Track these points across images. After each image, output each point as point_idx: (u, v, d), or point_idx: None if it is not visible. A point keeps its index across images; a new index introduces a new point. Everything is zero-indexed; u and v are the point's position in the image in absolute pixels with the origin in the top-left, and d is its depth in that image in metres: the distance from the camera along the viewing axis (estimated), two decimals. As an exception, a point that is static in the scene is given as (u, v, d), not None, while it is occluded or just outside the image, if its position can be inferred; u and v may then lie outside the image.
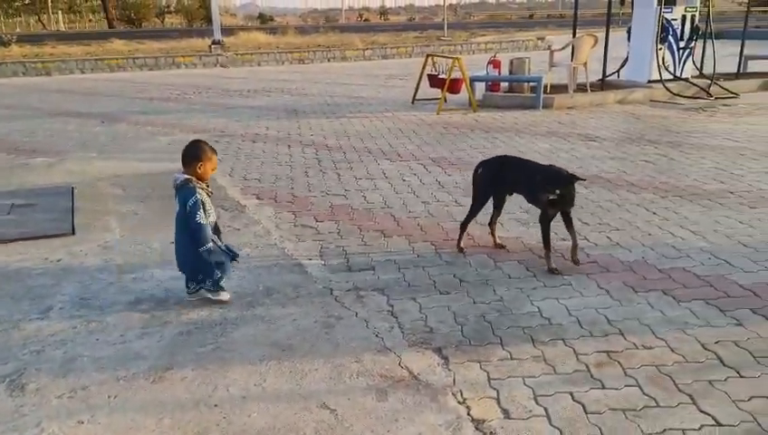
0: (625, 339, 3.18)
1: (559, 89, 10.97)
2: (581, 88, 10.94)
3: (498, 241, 4.48)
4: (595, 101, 10.64)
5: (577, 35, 11.12)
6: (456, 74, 10.38)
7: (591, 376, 2.87)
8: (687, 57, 11.35)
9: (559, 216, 4.10)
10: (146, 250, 4.55)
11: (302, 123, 9.64)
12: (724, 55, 11.63)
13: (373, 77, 16.21)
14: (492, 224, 4.51)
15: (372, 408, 2.69)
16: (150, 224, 5.11)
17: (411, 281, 3.94)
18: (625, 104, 10.64)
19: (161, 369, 3.01)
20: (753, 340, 3.13)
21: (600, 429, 2.51)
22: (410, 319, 3.44)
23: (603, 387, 2.78)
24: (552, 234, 4.10)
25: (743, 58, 12.41)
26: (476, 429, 2.54)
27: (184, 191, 3.52)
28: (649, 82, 11.07)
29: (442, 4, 33.59)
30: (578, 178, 3.98)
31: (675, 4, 10.91)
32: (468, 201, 4.78)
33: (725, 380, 2.81)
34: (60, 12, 53.97)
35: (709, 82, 11.04)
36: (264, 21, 56.32)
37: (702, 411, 2.59)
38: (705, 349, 3.07)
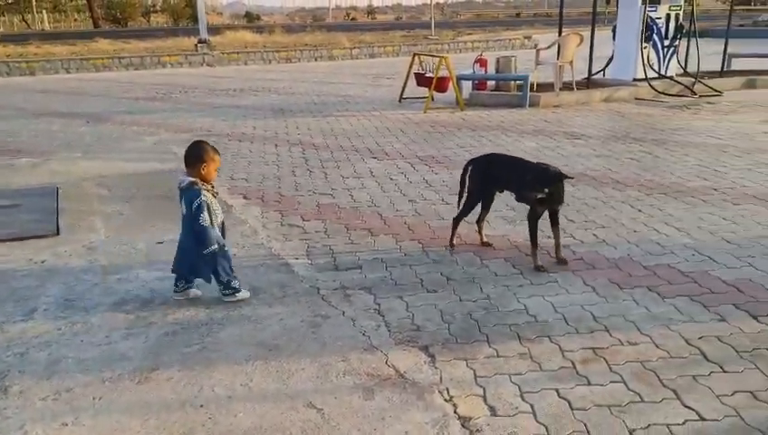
0: (610, 335, 3.20)
1: (545, 87, 11.03)
2: (567, 86, 10.99)
3: (485, 239, 4.49)
4: (581, 100, 10.70)
5: (563, 34, 11.17)
6: (442, 73, 10.39)
7: (577, 373, 2.89)
8: (672, 55, 11.44)
9: (545, 213, 4.13)
10: (131, 251, 4.52)
11: (290, 122, 9.61)
12: (708, 53, 11.73)
13: (360, 76, 16.20)
14: (480, 222, 4.52)
15: (359, 406, 2.69)
16: (135, 224, 5.07)
17: (398, 279, 3.94)
18: (610, 102, 10.70)
19: (147, 370, 2.99)
20: (736, 335, 3.16)
21: (585, 425, 2.52)
22: (397, 317, 3.45)
23: (589, 383, 2.80)
24: (538, 232, 4.11)
25: (726, 56, 12.52)
26: (463, 426, 2.54)
27: (189, 193, 3.52)
28: (635, 80, 11.14)
29: (429, 3, 33.62)
30: (566, 177, 4.00)
31: (659, 3, 10.99)
32: (456, 199, 4.79)
33: (709, 375, 2.83)
34: (44, 11, 53.42)
35: (693, 80, 11.14)
36: (251, 20, 56.12)
37: (686, 406, 2.62)
38: (689, 344, 3.09)
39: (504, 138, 8.03)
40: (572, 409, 2.63)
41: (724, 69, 12.47)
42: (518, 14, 62.56)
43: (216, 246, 3.55)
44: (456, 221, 4.46)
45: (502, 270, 4.06)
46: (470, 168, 4.45)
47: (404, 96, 11.23)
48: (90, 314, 3.56)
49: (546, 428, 2.51)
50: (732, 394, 2.69)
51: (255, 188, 6.02)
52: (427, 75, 10.83)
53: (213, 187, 3.65)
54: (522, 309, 3.51)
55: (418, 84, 11.06)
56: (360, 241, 4.60)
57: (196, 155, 3.54)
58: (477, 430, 2.52)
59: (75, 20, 55.02)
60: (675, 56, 11.49)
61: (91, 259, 4.39)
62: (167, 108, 11.40)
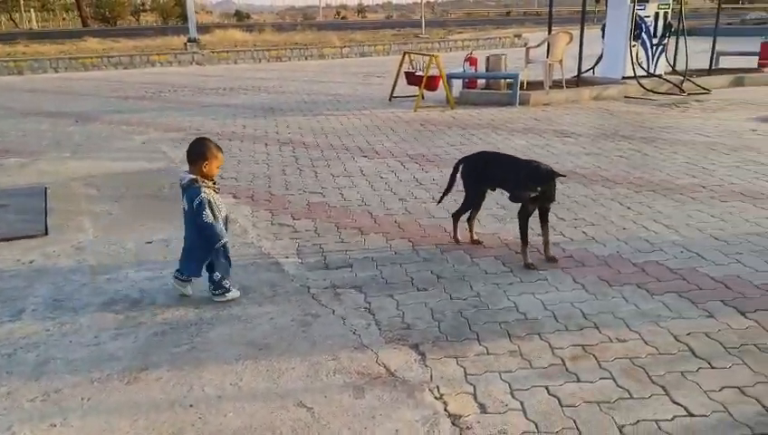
0: (600, 332, 3.22)
1: (535, 85, 11.05)
2: (557, 84, 11.03)
3: (475, 237, 4.50)
4: (570, 98, 10.74)
5: (552, 33, 11.20)
6: (433, 72, 10.40)
7: (567, 370, 2.90)
8: (660, 54, 11.50)
9: (535, 211, 4.13)
10: (120, 250, 4.50)
11: (280, 121, 9.59)
12: (696, 52, 11.81)
13: (351, 75, 16.19)
14: (470, 220, 4.52)
15: (349, 405, 2.69)
16: (124, 224, 5.05)
17: (388, 278, 3.94)
18: (600, 100, 10.75)
19: (136, 370, 2.98)
20: (724, 331, 3.19)
21: (574, 421, 2.53)
22: (387, 316, 3.44)
23: (578, 380, 2.81)
24: (528, 229, 4.12)
25: (714, 54, 12.59)
26: (453, 424, 2.55)
27: (190, 191, 3.52)
28: (624, 78, 11.19)
29: (419, 1, 33.63)
30: (559, 175, 4.00)
31: (648, 2, 11.05)
32: (446, 197, 4.80)
33: (697, 371, 2.85)
34: (32, 10, 53.02)
35: (682, 78, 11.20)
36: (241, 18, 55.96)
37: (674, 402, 2.63)
38: (678, 341, 3.11)
39: (494, 136, 8.05)
40: (562, 406, 2.63)
41: (713, 67, 12.54)
42: (508, 13, 62.71)
43: (226, 238, 3.59)
44: (456, 217, 4.47)
45: (492, 268, 4.06)
46: (461, 166, 4.45)
47: (394, 95, 11.23)
48: (78, 315, 3.54)
49: (536, 425, 2.52)
50: (720, 390, 2.70)
51: (245, 188, 6.00)
52: (417, 74, 10.83)
53: (215, 183, 3.66)
54: (512, 307, 3.52)
55: (409, 83, 11.07)
56: (350, 240, 4.60)
57: (199, 152, 3.54)
58: (467, 427, 2.52)
59: (64, 19, 54.67)
60: (663, 54, 11.54)
61: (80, 259, 4.36)
62: (156, 107, 11.34)
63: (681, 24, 11.13)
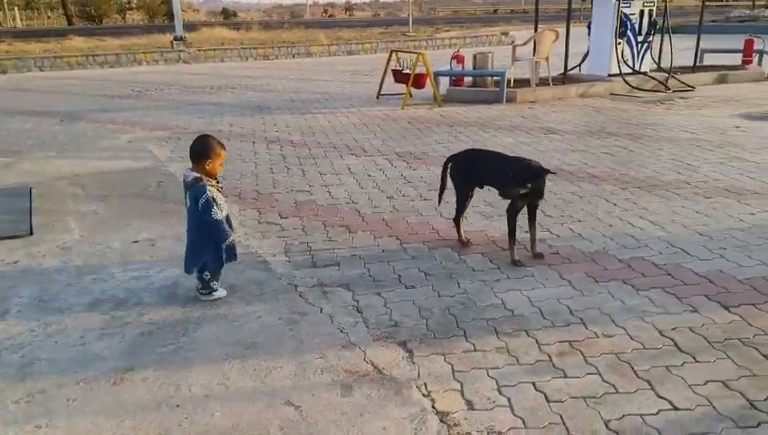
0: (586, 328, 3.24)
1: (522, 83, 11.08)
2: (544, 82, 11.07)
3: (464, 238, 4.49)
4: (557, 95, 10.79)
5: (539, 30, 11.24)
6: (420, 69, 10.40)
7: (554, 365, 2.92)
8: (646, 51, 11.57)
9: (524, 208, 4.14)
10: (106, 250, 4.47)
11: (267, 120, 9.56)
12: (680, 49, 11.88)
13: (338, 73, 16.17)
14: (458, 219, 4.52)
15: (337, 403, 2.69)
16: (110, 223, 5.01)
17: (376, 276, 3.94)
18: (586, 98, 10.81)
19: (122, 370, 2.96)
20: (708, 326, 3.22)
21: (561, 417, 2.55)
22: (375, 314, 3.45)
23: (565, 376, 2.83)
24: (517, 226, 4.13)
25: (699, 52, 12.69)
26: (441, 421, 2.55)
27: (194, 189, 3.51)
28: (610, 75, 11.26)
29: (407, -1, 33.61)
30: (548, 172, 4.01)
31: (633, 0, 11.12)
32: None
33: (682, 365, 2.88)
34: (16, 8, 52.43)
35: (667, 75, 11.28)
36: (228, 16, 55.70)
37: (660, 397, 2.66)
38: (663, 336, 3.14)
39: (481, 133, 8.06)
40: (549, 401, 2.65)
41: (697, 64, 12.65)
42: (495, 11, 62.85)
43: (233, 235, 3.60)
44: (457, 220, 4.45)
45: (479, 265, 4.08)
46: (450, 164, 4.46)
47: (382, 93, 11.23)
48: (64, 315, 3.52)
49: (523, 421, 2.54)
50: (704, 384, 2.73)
51: (232, 186, 5.97)
52: (404, 72, 10.83)
53: (218, 181, 3.66)
54: (499, 303, 3.53)
55: (396, 81, 11.06)
56: (337, 238, 4.60)
57: (201, 150, 3.54)
58: (455, 424, 2.53)
59: (48, 17, 54.14)
60: (648, 52, 11.62)
61: (66, 259, 4.33)
62: (142, 106, 11.26)
63: (666, 22, 11.21)
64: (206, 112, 10.34)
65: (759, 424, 2.47)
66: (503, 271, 3.97)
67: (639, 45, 11.43)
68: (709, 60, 13.24)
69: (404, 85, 10.57)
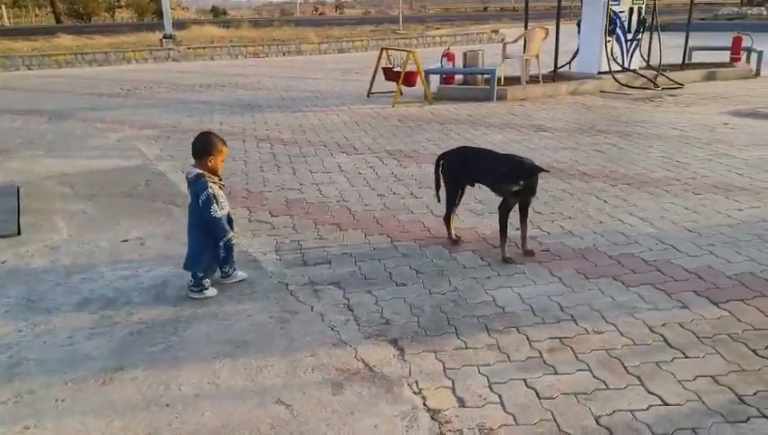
0: (577, 325, 3.25)
1: (512, 81, 11.10)
2: (534, 80, 11.09)
3: (454, 236, 4.49)
4: (547, 93, 10.81)
5: (529, 28, 11.26)
6: (410, 67, 10.40)
7: (544, 362, 2.92)
8: (635, 49, 11.63)
9: (516, 206, 4.15)
10: (94, 249, 4.44)
11: (257, 118, 9.53)
12: (669, 47, 11.93)
13: (329, 71, 16.14)
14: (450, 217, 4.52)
15: (328, 401, 2.68)
16: (99, 222, 4.98)
17: (367, 274, 3.93)
18: (576, 95, 10.84)
19: (111, 370, 2.94)
20: (698, 321, 3.24)
21: (552, 413, 2.55)
22: (366, 311, 3.44)
23: (556, 372, 2.84)
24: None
25: (687, 49, 12.77)
26: (432, 418, 2.55)
27: (196, 186, 3.54)
28: (599, 73, 11.30)
29: (397, -3, 33.60)
30: (542, 170, 4.01)
31: (622, -3, 11.16)
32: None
33: (672, 361, 2.89)
34: (3, 6, 51.94)
35: (656, 72, 11.34)
36: (218, 14, 55.41)
37: (650, 392, 2.67)
38: (653, 332, 3.15)
39: (472, 131, 8.07)
40: (540, 398, 2.66)
41: (686, 62, 12.72)
42: (485, 9, 62.89)
43: (231, 232, 3.63)
44: (447, 218, 4.44)
45: (470, 262, 4.08)
46: (441, 162, 4.45)
47: (372, 91, 11.21)
48: (52, 315, 3.49)
49: (514, 418, 2.54)
50: (693, 379, 2.75)
51: (223, 185, 5.94)
52: (395, 70, 10.83)
53: (220, 178, 3.69)
54: (490, 301, 3.54)
55: (387, 79, 11.06)
56: (328, 236, 4.59)
57: (203, 147, 3.57)
58: (446, 421, 2.53)
59: (36, 15, 53.67)
60: (638, 49, 11.68)
61: (54, 259, 4.29)
62: (131, 104, 11.19)
63: (655, 20, 11.25)
64: (196, 111, 10.29)
65: (748, 419, 2.48)
66: (493, 268, 3.98)
67: (629, 43, 11.48)
68: (698, 57, 13.31)
69: (395, 83, 10.56)
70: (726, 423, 2.46)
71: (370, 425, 2.53)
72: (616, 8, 11.07)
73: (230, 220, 3.79)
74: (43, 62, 18.12)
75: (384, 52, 11.15)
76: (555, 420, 2.51)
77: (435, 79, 11.20)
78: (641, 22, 11.46)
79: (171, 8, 23.21)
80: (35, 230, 4.85)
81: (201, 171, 3.55)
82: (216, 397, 2.73)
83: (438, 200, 4.55)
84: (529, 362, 2.92)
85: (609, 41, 11.07)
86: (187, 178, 3.63)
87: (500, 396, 2.68)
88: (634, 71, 11.45)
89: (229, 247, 3.73)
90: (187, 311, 3.49)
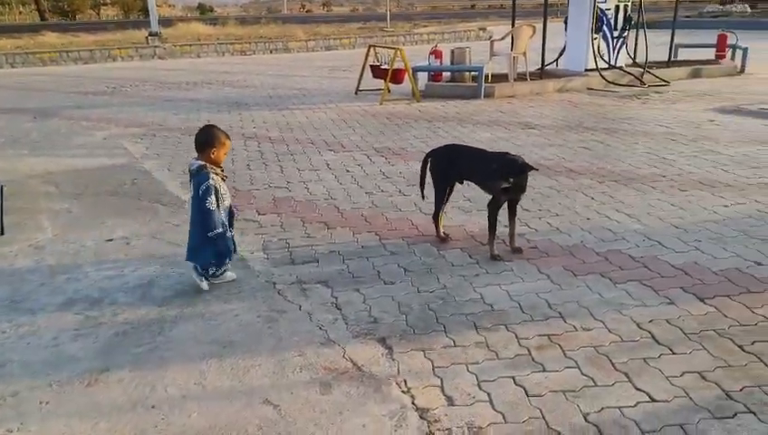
0: (565, 322, 3.25)
1: (499, 78, 11.12)
2: (521, 77, 11.11)
3: (442, 233, 4.48)
4: (535, 90, 10.84)
5: (516, 26, 11.27)
6: (398, 65, 10.38)
7: (533, 359, 2.92)
8: (621, 46, 11.67)
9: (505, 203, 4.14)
10: (79, 249, 4.39)
11: (245, 116, 9.47)
12: (655, 44, 12.02)
13: (316, 68, 16.08)
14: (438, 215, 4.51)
15: (316, 401, 2.67)
16: (84, 222, 4.92)
17: (355, 272, 3.92)
18: (563, 92, 10.87)
19: (96, 371, 2.91)
20: (684, 317, 3.25)
21: (540, 411, 2.55)
22: (354, 310, 3.43)
23: (544, 370, 2.84)
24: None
25: (673, 47, 12.84)
26: (421, 417, 2.54)
27: (198, 177, 3.57)
28: (586, 70, 11.33)
29: (384, -6, 33.56)
30: (531, 168, 4.00)
31: (609, -5, 11.20)
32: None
33: (659, 357, 2.90)
34: (-14, 4, 51.40)
35: (642, 70, 11.39)
36: (204, 12, 55.14)
37: (637, 389, 2.67)
38: (640, 328, 3.16)
39: (459, 129, 8.07)
40: (528, 395, 2.66)
41: (672, 59, 12.78)
42: (473, 6, 63.00)
43: (221, 229, 3.61)
44: (435, 217, 4.43)
45: (458, 260, 4.07)
46: (430, 159, 4.44)
47: (360, 88, 11.18)
48: (36, 316, 3.44)
49: (503, 416, 2.54)
50: (681, 375, 2.76)
51: (209, 183, 5.90)
52: (382, 67, 10.80)
53: (222, 170, 3.72)
54: (478, 298, 3.53)
55: (374, 76, 11.02)
56: (316, 234, 4.57)
57: (206, 140, 3.63)
58: (435, 420, 2.52)
59: (20, 13, 53.08)
60: (624, 47, 11.73)
61: (38, 259, 4.24)
62: (117, 102, 11.09)
63: (641, 17, 11.31)
64: (182, 109, 10.22)
65: (735, 414, 2.49)
66: (482, 266, 3.97)
67: (615, 41, 11.53)
68: (683, 55, 13.38)
69: (382, 81, 10.54)
70: (714, 419, 2.47)
71: (359, 425, 2.51)
72: (602, 6, 11.10)
73: (232, 213, 3.82)
74: (27, 60, 17.92)
75: (372, 49, 11.12)
76: (544, 417, 2.51)
77: (422, 76, 11.18)
78: (627, 19, 11.51)
79: (157, 5, 23.03)
80: (19, 230, 4.79)
81: (203, 163, 3.59)
82: (203, 398, 2.70)
83: (423, 198, 4.54)
84: (517, 360, 2.92)
85: (595, 38, 11.11)
86: (189, 169, 3.66)
87: (489, 394, 2.67)
88: (620, 68, 11.50)
89: (226, 245, 3.70)
90: (173, 311, 3.46)
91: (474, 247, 4.27)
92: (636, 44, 11.71)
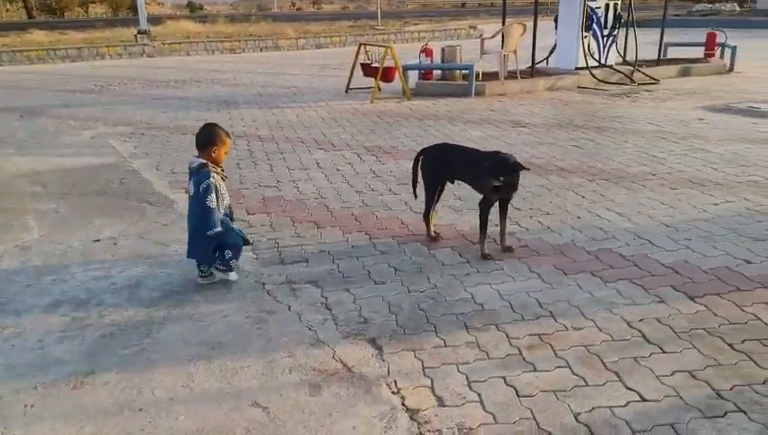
0: (555, 321, 3.24)
1: (490, 76, 11.12)
2: (512, 75, 11.12)
3: (433, 233, 4.46)
4: (525, 88, 10.84)
5: (506, 24, 11.27)
6: (388, 63, 10.36)
7: (524, 359, 2.91)
8: (611, 45, 11.71)
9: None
10: (66, 249, 4.34)
11: (234, 114, 9.42)
12: (645, 43, 12.06)
13: (307, 66, 16.03)
14: (429, 214, 4.48)
15: (305, 403, 2.64)
16: (71, 222, 4.87)
17: (345, 272, 3.89)
18: (554, 91, 10.88)
19: (82, 374, 2.86)
20: (675, 316, 3.25)
21: (531, 411, 2.54)
22: (344, 310, 3.40)
23: (535, 370, 2.82)
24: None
25: (663, 45, 12.88)
26: (411, 418, 2.52)
27: (198, 175, 3.57)
28: (576, 68, 11.36)
29: (375, -8, 33.52)
30: (523, 168, 3.98)
31: (598, -7, 11.23)
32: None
33: (649, 356, 2.89)
34: (-28, 1, 50.87)
35: (632, 68, 11.43)
36: (194, 9, 54.85)
37: (628, 388, 2.66)
38: (631, 327, 3.16)
39: (450, 127, 8.06)
40: (519, 396, 2.64)
41: (661, 57, 12.83)
42: (463, 5, 63.00)
43: (220, 228, 3.60)
44: (426, 216, 4.41)
45: (449, 259, 4.06)
46: (421, 158, 4.42)
47: (351, 86, 11.15)
48: (22, 318, 3.40)
49: (494, 416, 2.52)
50: (671, 374, 2.75)
51: (198, 183, 5.85)
52: (373, 65, 10.77)
53: (222, 169, 3.75)
54: (468, 298, 3.52)
55: (365, 74, 11.00)
56: (306, 234, 4.54)
57: (207, 138, 3.65)
58: (426, 421, 2.50)
59: (7, 10, 52.53)
60: (614, 45, 11.76)
61: (24, 259, 4.19)
62: (105, 101, 11.00)
63: (631, 16, 11.34)
64: (171, 107, 10.15)
65: (725, 413, 2.49)
66: (472, 265, 3.96)
67: (605, 39, 11.56)
68: (673, 53, 13.44)
69: (373, 79, 10.51)
70: (704, 418, 2.46)
71: (349, 426, 2.49)
72: (592, 4, 11.14)
73: (230, 213, 3.82)
74: (14, 58, 17.76)
75: (362, 47, 11.10)
76: (535, 418, 2.50)
77: (413, 75, 11.17)
78: (617, 18, 11.55)
79: (146, 3, 22.89)
80: (5, 230, 4.73)
81: (204, 161, 3.59)
82: (191, 400, 2.67)
83: (416, 197, 4.51)
84: (508, 360, 2.91)
85: (585, 36, 11.13)
86: (189, 167, 3.65)
87: (479, 395, 2.66)
88: (610, 66, 11.54)
89: (233, 246, 3.72)
90: (161, 312, 3.42)
91: (464, 247, 4.25)
92: (626, 43, 11.74)
